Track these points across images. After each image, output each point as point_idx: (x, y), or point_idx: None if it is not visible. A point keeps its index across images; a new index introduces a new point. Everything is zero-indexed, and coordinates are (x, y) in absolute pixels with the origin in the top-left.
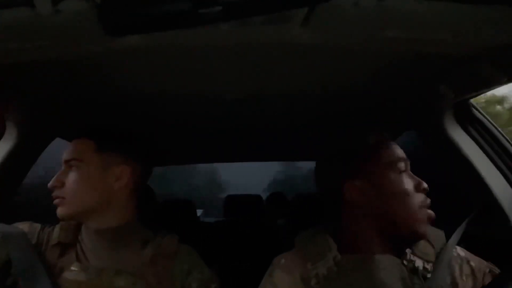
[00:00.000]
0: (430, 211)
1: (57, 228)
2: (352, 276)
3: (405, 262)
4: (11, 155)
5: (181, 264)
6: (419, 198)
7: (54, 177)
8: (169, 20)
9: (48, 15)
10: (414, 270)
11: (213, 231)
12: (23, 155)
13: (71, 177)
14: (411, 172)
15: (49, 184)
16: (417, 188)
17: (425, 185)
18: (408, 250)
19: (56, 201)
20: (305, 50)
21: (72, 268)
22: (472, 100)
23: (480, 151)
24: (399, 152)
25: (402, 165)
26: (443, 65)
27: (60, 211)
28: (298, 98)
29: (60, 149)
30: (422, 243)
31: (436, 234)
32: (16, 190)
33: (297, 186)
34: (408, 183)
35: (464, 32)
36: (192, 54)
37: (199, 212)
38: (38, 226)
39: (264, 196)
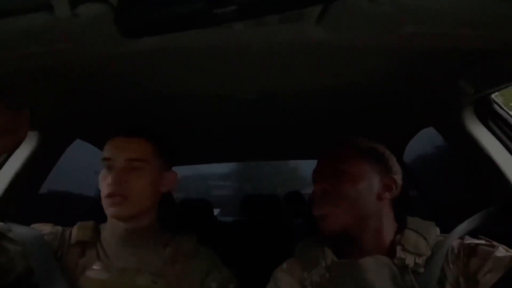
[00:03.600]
0: None
1: (75, 228)
2: (342, 280)
3: (395, 260)
4: (32, 157)
5: (200, 264)
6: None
7: (115, 175)
8: (185, 21)
9: (66, 19)
10: (405, 268)
11: (231, 230)
12: (44, 157)
13: (136, 177)
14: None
15: (112, 182)
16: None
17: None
18: (398, 247)
19: (116, 199)
20: (320, 48)
21: (94, 267)
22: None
23: (502, 147)
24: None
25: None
26: (462, 60)
27: (119, 211)
28: (313, 97)
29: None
30: (414, 237)
31: (426, 226)
32: (37, 192)
33: None
34: None
35: (483, 26)
36: (207, 54)
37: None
38: (59, 228)
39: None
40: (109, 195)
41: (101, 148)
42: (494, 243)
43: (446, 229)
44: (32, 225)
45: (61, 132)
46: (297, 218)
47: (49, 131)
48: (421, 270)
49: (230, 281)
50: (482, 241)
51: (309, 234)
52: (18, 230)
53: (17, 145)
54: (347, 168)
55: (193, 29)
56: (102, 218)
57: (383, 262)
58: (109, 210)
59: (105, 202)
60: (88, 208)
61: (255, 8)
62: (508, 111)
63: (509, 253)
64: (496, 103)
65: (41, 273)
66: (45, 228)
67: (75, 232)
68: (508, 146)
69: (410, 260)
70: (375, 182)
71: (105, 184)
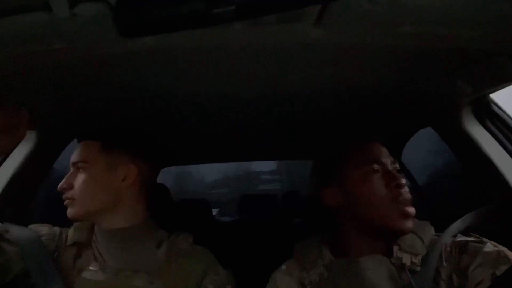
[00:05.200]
0: (405, 206)
1: (71, 229)
2: (341, 279)
3: (393, 259)
4: (30, 157)
5: (197, 264)
6: (390, 195)
7: (64, 180)
8: (183, 21)
9: (64, 19)
10: (402, 267)
11: (229, 230)
12: (42, 157)
13: (79, 179)
14: (393, 170)
15: (59, 187)
16: (388, 185)
17: (400, 181)
18: (395, 247)
19: (66, 202)
20: (318, 48)
21: (90, 268)
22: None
23: (500, 148)
24: (373, 153)
25: (374, 166)
26: (461, 60)
27: (70, 212)
28: (313, 96)
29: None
30: (409, 237)
31: (422, 225)
32: (35, 192)
33: None
34: (376, 182)
35: (483, 26)
36: (205, 55)
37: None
38: (57, 229)
39: None
40: (64, 198)
41: None
42: (484, 239)
43: (442, 229)
44: (30, 226)
45: (59, 132)
46: (296, 218)
47: (47, 130)
48: (418, 269)
49: (227, 282)
50: (472, 238)
51: (307, 233)
52: (15, 231)
53: (15, 145)
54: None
55: (192, 29)
56: None
57: (381, 261)
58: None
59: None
60: None
61: (254, 8)
62: (506, 111)
63: (496, 248)
64: (495, 103)
65: (37, 274)
66: (42, 229)
67: (71, 233)
68: (506, 146)
69: (407, 259)
70: None
71: None
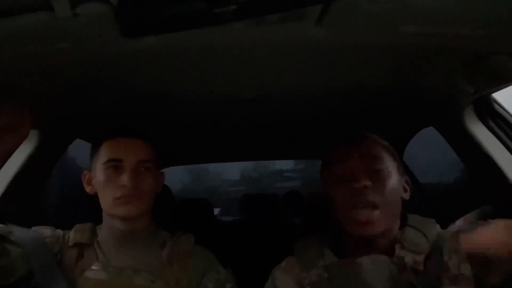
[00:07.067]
0: (362, 211)
1: (72, 231)
2: (341, 281)
3: (394, 259)
4: (33, 156)
5: (197, 264)
6: (347, 199)
7: (131, 176)
8: (185, 21)
9: (66, 19)
10: (403, 266)
11: (230, 229)
12: (45, 156)
13: (146, 178)
14: (358, 171)
15: (129, 183)
16: (349, 188)
17: (359, 184)
18: (397, 245)
19: (131, 199)
20: (320, 48)
21: (93, 267)
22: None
23: (502, 147)
24: (339, 155)
25: (337, 168)
26: (462, 60)
27: (132, 211)
28: (313, 96)
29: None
30: (414, 234)
31: (427, 222)
32: (38, 192)
33: None
34: (340, 185)
35: (483, 25)
36: (207, 54)
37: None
38: (60, 231)
39: None
40: (123, 196)
41: None
42: (488, 221)
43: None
44: (33, 228)
45: (62, 131)
46: (297, 217)
47: (49, 130)
48: (421, 268)
49: (227, 281)
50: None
51: (308, 233)
52: (18, 232)
53: (18, 144)
54: (382, 166)
55: (193, 28)
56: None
57: (381, 261)
58: (119, 210)
59: (114, 203)
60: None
61: (255, 7)
62: (508, 110)
63: (502, 222)
64: (497, 102)
65: (41, 275)
66: (46, 232)
67: (72, 234)
68: (508, 145)
69: (409, 259)
70: (400, 182)
71: (115, 185)
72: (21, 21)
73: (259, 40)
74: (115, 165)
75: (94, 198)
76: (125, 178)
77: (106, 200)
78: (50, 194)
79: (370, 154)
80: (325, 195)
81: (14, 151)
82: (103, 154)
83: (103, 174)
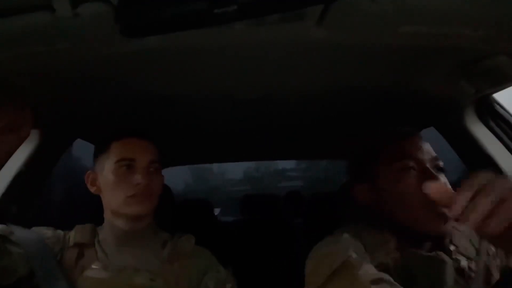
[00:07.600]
0: (441, 207)
1: (73, 231)
2: (417, 271)
3: (453, 262)
4: (34, 156)
5: (198, 264)
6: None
7: (144, 175)
8: (185, 21)
9: (67, 19)
10: (459, 270)
11: (231, 230)
12: (45, 156)
13: (156, 178)
14: (431, 168)
15: (143, 182)
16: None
17: (438, 181)
18: (452, 248)
19: (144, 197)
20: (321, 48)
21: (93, 266)
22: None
23: (503, 147)
24: (407, 149)
25: (409, 163)
26: (462, 60)
27: (144, 209)
28: (314, 96)
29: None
30: (463, 239)
31: (463, 228)
32: (39, 192)
33: None
34: (410, 180)
35: (485, 26)
36: (208, 54)
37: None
38: (61, 232)
39: None
40: (136, 194)
41: None
42: None
43: None
44: (33, 228)
45: (62, 131)
46: (297, 218)
47: (50, 130)
48: (473, 275)
49: (227, 281)
50: None
51: (308, 233)
52: (19, 233)
53: (20, 144)
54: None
55: (194, 29)
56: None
57: (447, 260)
58: (130, 208)
59: (126, 201)
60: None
61: (256, 7)
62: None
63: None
64: (498, 103)
65: (42, 275)
66: (46, 232)
67: (73, 235)
68: (509, 146)
69: (464, 264)
70: None
71: (127, 183)
72: (22, 21)
73: (260, 40)
74: (127, 164)
75: (94, 198)
76: (139, 177)
77: (116, 199)
78: (50, 194)
79: (430, 151)
80: (381, 192)
81: (15, 151)
82: (115, 153)
83: (114, 172)
